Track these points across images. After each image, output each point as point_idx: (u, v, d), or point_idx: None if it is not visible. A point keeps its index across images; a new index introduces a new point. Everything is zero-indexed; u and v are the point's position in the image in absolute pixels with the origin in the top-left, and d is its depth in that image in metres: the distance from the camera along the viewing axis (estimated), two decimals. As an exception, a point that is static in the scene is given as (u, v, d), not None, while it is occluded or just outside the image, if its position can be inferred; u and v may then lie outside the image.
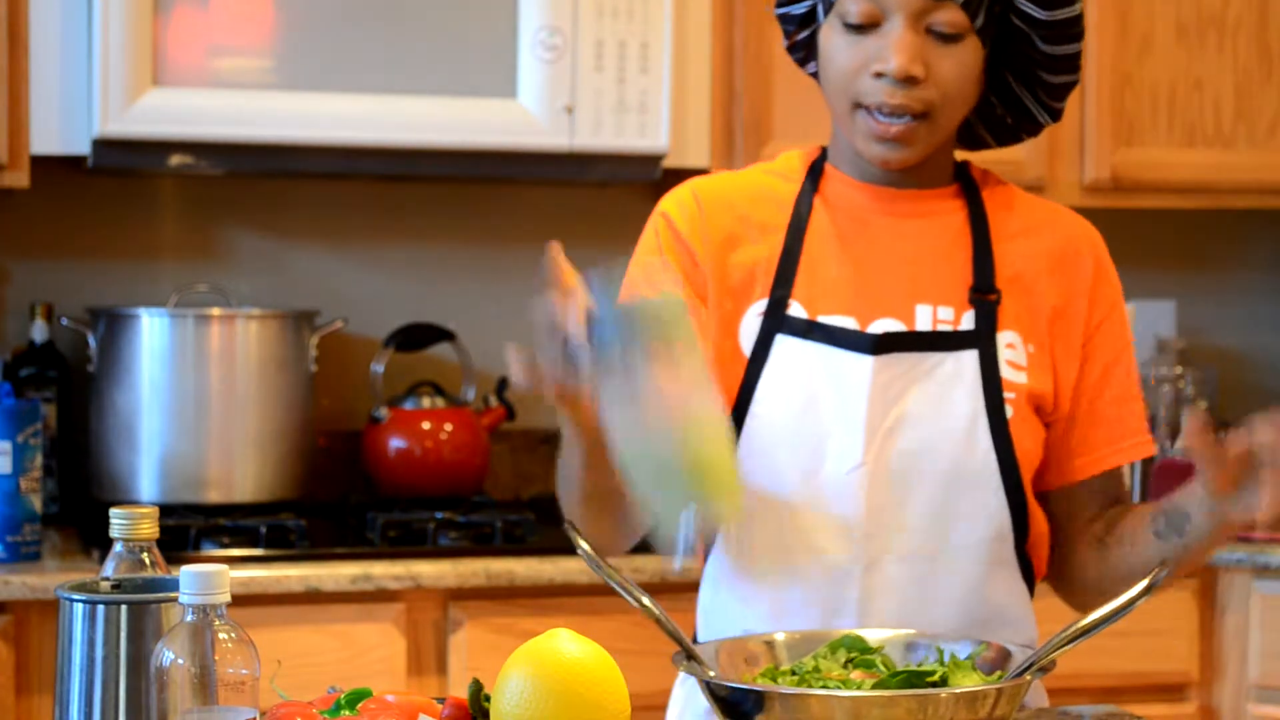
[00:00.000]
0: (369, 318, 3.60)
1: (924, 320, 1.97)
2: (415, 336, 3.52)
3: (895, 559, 1.94)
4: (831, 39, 1.96)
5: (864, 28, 1.92)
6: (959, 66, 1.93)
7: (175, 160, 3.23)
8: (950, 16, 1.91)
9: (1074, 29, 1.98)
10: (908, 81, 1.91)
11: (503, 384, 3.57)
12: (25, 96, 3.14)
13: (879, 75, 1.91)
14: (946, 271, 2.00)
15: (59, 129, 3.16)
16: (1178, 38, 3.64)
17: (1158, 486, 3.57)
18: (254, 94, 3.17)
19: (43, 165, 3.28)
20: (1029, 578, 2.04)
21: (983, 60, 1.95)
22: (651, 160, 3.33)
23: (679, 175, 3.42)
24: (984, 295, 1.98)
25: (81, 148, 3.18)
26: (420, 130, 3.22)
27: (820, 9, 1.98)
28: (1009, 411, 1.95)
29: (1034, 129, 2.08)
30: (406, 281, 3.66)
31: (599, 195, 3.73)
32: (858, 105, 1.94)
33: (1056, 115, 2.05)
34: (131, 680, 1.53)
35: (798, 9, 2.02)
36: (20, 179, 3.16)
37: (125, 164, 3.26)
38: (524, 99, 3.24)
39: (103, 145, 3.16)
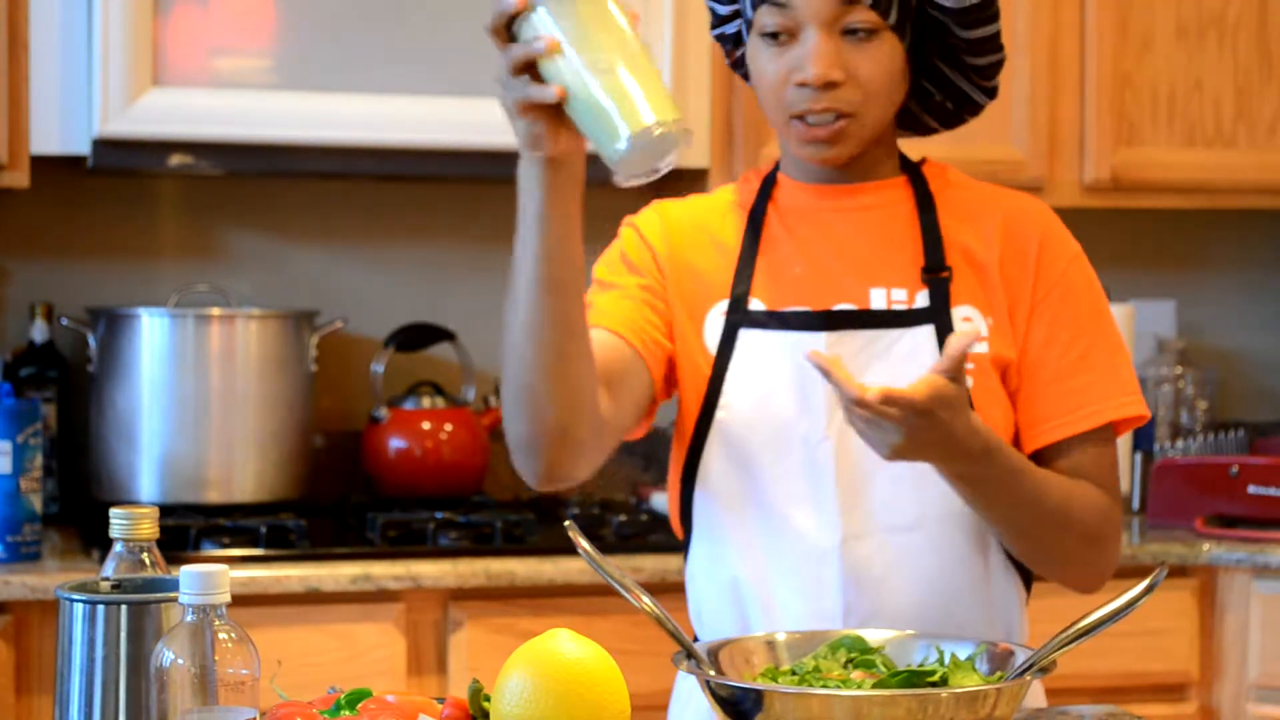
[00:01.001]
0: (369, 318, 3.60)
1: (878, 302, 2.03)
2: (415, 336, 3.52)
3: (872, 534, 1.98)
4: (757, 55, 2.04)
5: (781, 40, 1.99)
6: (877, 64, 1.99)
7: (175, 160, 3.23)
8: (862, 16, 1.98)
9: (987, 11, 2.04)
10: (828, 87, 1.98)
11: (503, 384, 3.57)
12: (25, 96, 3.14)
13: (801, 85, 1.98)
14: (898, 256, 2.05)
15: (59, 129, 3.16)
16: (1178, 38, 3.64)
17: (1158, 486, 3.57)
18: (254, 94, 3.17)
19: (43, 165, 3.28)
20: (1021, 569, 2.05)
21: (903, 54, 2.02)
22: (651, 160, 3.33)
23: (679, 175, 3.43)
24: (935, 273, 2.03)
25: (81, 148, 3.18)
26: (420, 130, 3.22)
27: (744, 29, 2.06)
28: (969, 382, 1.98)
29: (974, 109, 2.13)
30: (406, 281, 3.66)
31: (599, 195, 3.71)
32: (790, 116, 2.02)
33: (992, 94, 2.11)
34: (131, 680, 1.53)
35: (729, 29, 2.12)
36: (20, 179, 3.16)
37: (125, 164, 3.26)
38: (524, 99, 3.24)
39: (103, 145, 3.15)
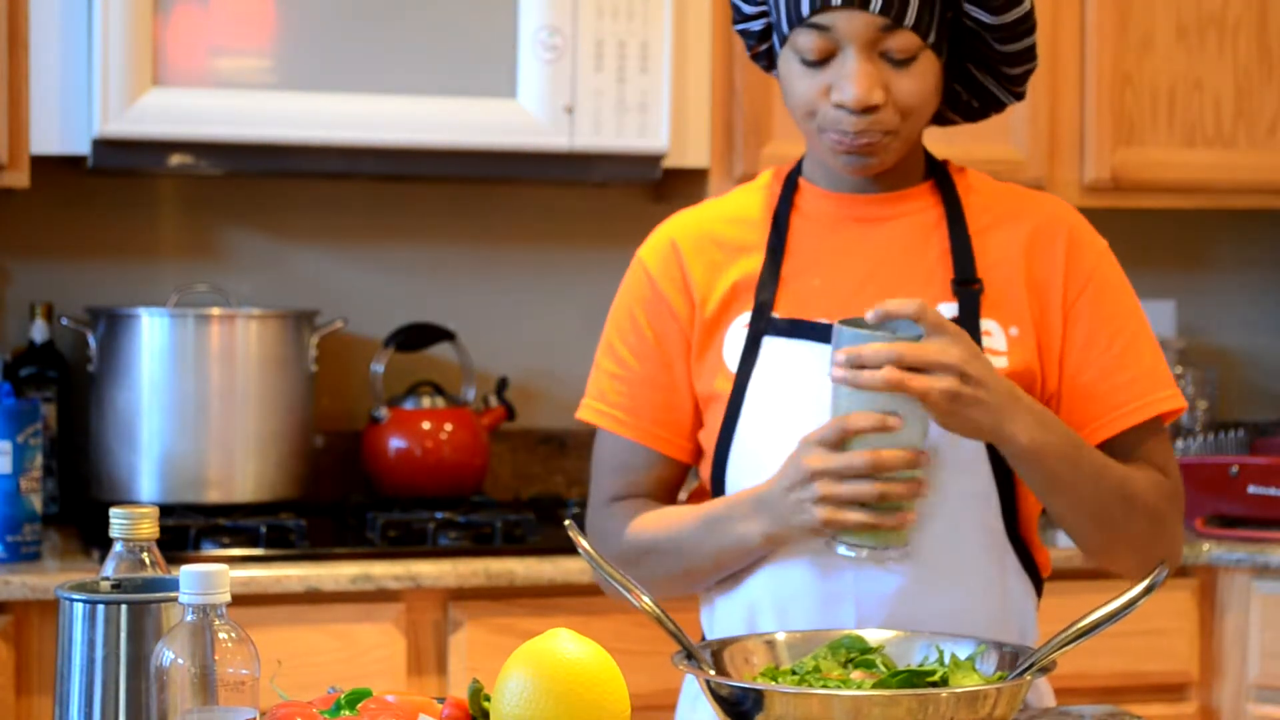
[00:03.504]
0: (369, 318, 3.60)
1: None
2: (415, 336, 3.52)
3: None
4: (789, 69, 2.01)
5: (819, 62, 1.97)
6: (916, 84, 1.98)
7: (175, 160, 3.23)
8: (903, 42, 1.96)
9: (1024, 25, 2.03)
10: (868, 110, 1.96)
11: (503, 384, 3.57)
12: (25, 96, 3.14)
13: (839, 106, 1.96)
14: (923, 267, 2.04)
15: (59, 129, 3.16)
16: (1178, 38, 3.64)
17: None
18: (254, 94, 3.17)
19: (43, 165, 3.28)
20: (1031, 571, 2.05)
21: (940, 68, 2.01)
22: (651, 160, 3.33)
23: (679, 175, 3.43)
24: (966, 285, 2.02)
25: (81, 148, 3.18)
26: (420, 130, 3.22)
27: (775, 39, 2.03)
28: None
29: (1000, 108, 2.13)
30: (406, 281, 3.66)
31: (599, 195, 3.73)
32: (823, 130, 2.00)
33: (1020, 96, 2.11)
34: (131, 680, 1.53)
35: (753, 26, 2.09)
36: (20, 179, 3.16)
37: (125, 164, 3.26)
38: (524, 99, 3.24)
39: (103, 145, 3.15)
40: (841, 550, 1.88)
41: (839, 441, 1.85)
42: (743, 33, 2.11)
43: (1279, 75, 3.69)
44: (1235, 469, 3.48)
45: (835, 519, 1.86)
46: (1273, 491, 3.45)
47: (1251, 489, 3.46)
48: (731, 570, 2.02)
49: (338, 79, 3.19)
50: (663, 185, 3.55)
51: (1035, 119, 3.55)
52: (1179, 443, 3.80)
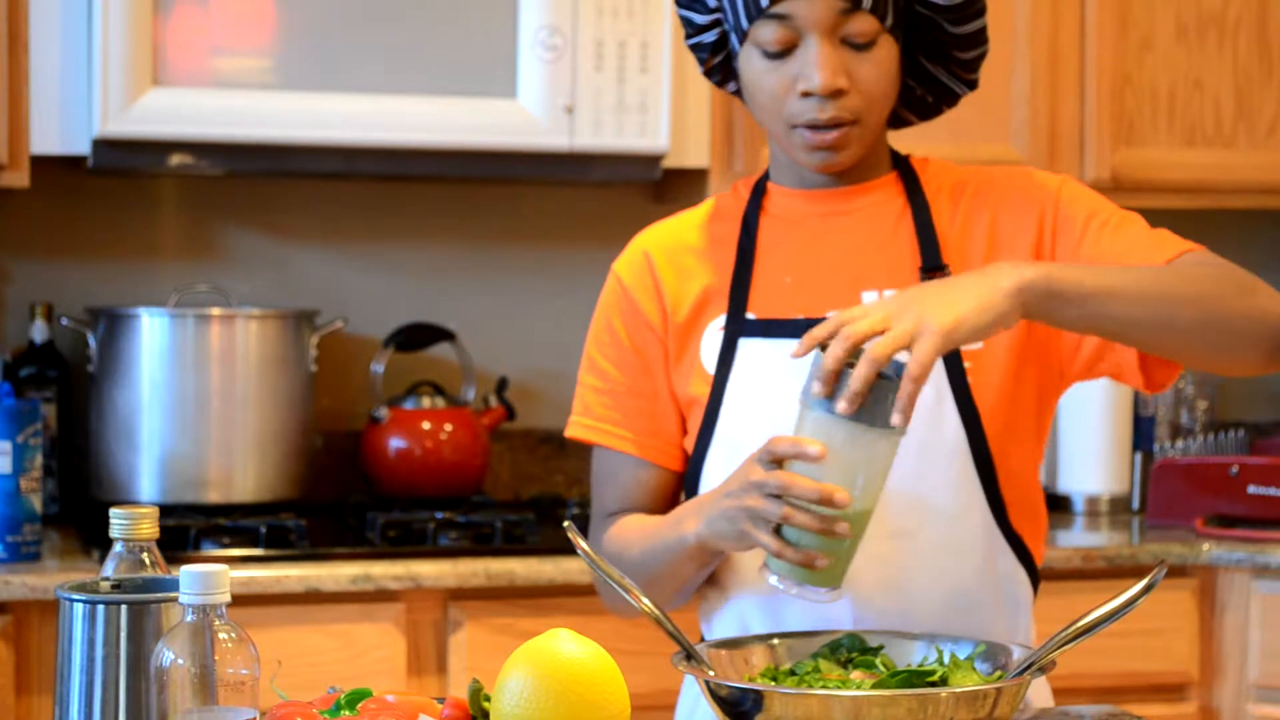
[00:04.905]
0: (369, 318, 3.61)
1: None
2: (415, 336, 3.52)
3: (877, 537, 1.96)
4: (752, 66, 2.03)
5: (781, 51, 1.98)
6: (878, 69, 2.00)
7: (175, 160, 3.23)
8: (862, 26, 1.97)
9: (975, 6, 2.04)
10: (834, 95, 1.97)
11: (503, 384, 3.57)
12: (25, 96, 3.14)
13: (806, 94, 1.98)
14: (890, 256, 2.05)
15: (59, 129, 3.16)
16: (1178, 38, 3.64)
17: (1158, 486, 3.57)
18: (254, 94, 3.17)
19: (43, 165, 3.28)
20: (1025, 561, 2.05)
21: (898, 55, 2.02)
22: (651, 160, 3.33)
23: (679, 175, 3.43)
24: (933, 272, 2.02)
25: (81, 148, 3.18)
26: (420, 130, 3.22)
27: (733, 39, 2.04)
28: (969, 380, 1.99)
29: (952, 101, 2.14)
30: (406, 281, 3.66)
31: (599, 195, 3.73)
32: (792, 125, 2.01)
33: (973, 85, 2.11)
34: (131, 680, 1.53)
35: (707, 38, 2.10)
36: (20, 179, 3.16)
37: (125, 164, 3.26)
38: (524, 99, 3.25)
39: (103, 145, 3.16)
40: (771, 580, 1.85)
41: (774, 460, 1.84)
42: (695, 47, 2.12)
43: (1279, 75, 3.69)
44: (1235, 469, 3.48)
45: (747, 531, 1.85)
46: (1273, 491, 3.45)
47: (1251, 489, 3.46)
48: (689, 580, 2.01)
49: (338, 79, 3.19)
50: (663, 185, 3.55)
51: (1035, 119, 3.55)
52: (1179, 443, 3.81)
